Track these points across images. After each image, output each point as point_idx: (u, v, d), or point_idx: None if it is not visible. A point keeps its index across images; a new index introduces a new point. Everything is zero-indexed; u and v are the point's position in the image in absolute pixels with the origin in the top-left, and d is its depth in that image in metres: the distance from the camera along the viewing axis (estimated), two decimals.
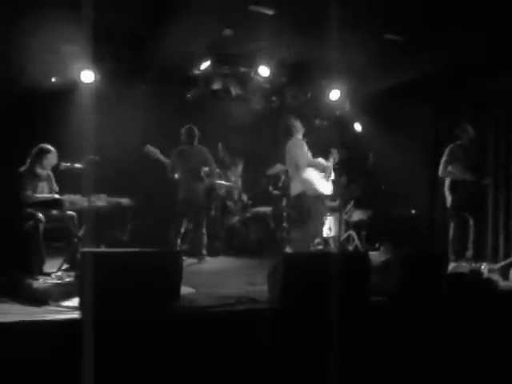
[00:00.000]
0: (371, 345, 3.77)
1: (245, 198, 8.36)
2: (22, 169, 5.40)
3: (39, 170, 5.46)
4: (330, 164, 6.57)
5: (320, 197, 6.41)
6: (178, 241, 6.69)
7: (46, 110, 7.06)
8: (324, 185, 6.45)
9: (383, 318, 3.93)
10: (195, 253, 6.65)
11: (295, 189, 6.37)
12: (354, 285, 3.90)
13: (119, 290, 3.24)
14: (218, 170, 7.67)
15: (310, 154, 6.45)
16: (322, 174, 6.48)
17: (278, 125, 6.60)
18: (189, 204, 6.68)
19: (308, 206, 6.27)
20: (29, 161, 5.45)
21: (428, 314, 4.09)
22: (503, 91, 7.09)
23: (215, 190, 7.21)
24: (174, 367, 3.24)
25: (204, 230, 6.79)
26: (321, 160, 6.54)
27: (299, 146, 6.37)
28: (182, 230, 6.75)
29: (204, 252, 6.70)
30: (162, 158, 6.65)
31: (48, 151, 5.52)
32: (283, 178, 8.13)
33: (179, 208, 6.69)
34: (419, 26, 6.33)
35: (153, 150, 6.62)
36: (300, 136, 6.47)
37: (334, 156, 6.61)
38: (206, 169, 6.88)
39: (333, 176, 6.68)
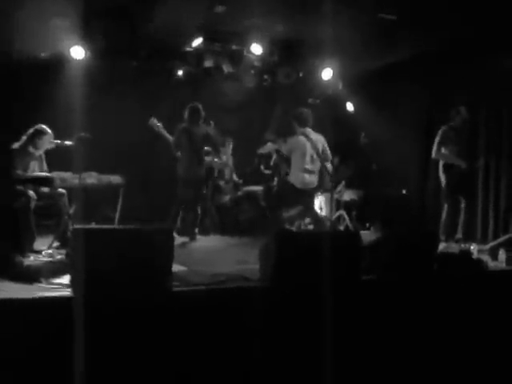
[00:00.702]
0: (363, 323, 3.80)
1: (235, 177, 8.35)
2: (15, 146, 5.32)
3: (32, 149, 5.40)
4: None
5: None
6: (178, 217, 6.68)
7: (35, 86, 6.97)
8: None
9: (374, 296, 3.95)
10: (187, 231, 6.64)
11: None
12: (346, 264, 3.91)
13: (110, 268, 3.22)
14: (207, 148, 7.63)
15: None
16: None
17: (293, 114, 6.53)
18: (188, 183, 6.62)
19: None
20: (23, 138, 5.38)
21: (418, 294, 4.12)
22: (495, 73, 7.07)
23: (213, 169, 7.14)
24: (166, 345, 3.25)
25: (198, 210, 6.77)
26: None
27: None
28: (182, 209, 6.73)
29: (196, 231, 6.70)
30: (164, 132, 6.58)
31: (44, 133, 5.44)
32: (274, 157, 8.10)
33: (180, 187, 6.64)
34: (413, 6, 6.28)
35: (156, 124, 6.55)
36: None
37: None
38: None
39: None
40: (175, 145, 6.61)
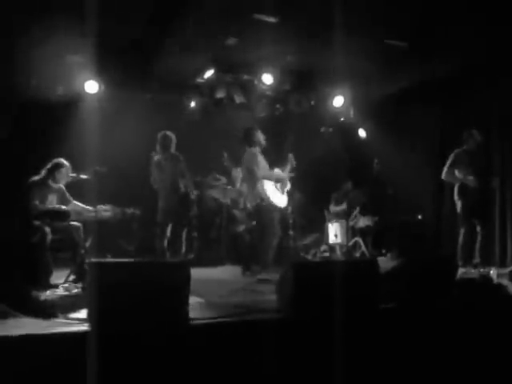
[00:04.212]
0: (382, 352, 3.73)
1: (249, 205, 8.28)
2: (33, 179, 5.40)
3: (51, 183, 5.46)
4: (285, 174, 6.43)
5: (274, 209, 6.19)
6: (165, 248, 6.47)
7: (51, 121, 7.06)
8: (278, 197, 6.27)
9: (394, 325, 3.89)
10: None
11: (252, 200, 6.21)
12: (364, 292, 3.86)
13: (127, 301, 3.21)
14: (221, 178, 7.64)
15: (266, 165, 6.30)
16: (278, 185, 6.35)
17: (242, 133, 6.44)
18: (167, 214, 6.56)
19: (263, 218, 6.14)
20: (42, 172, 5.45)
21: (438, 321, 4.05)
22: (508, 93, 7.06)
23: (190, 197, 6.96)
24: (184, 379, 3.21)
25: (183, 239, 6.70)
26: (277, 171, 6.39)
27: (255, 157, 6.19)
28: (167, 239, 6.55)
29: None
30: None
31: (62, 166, 5.51)
32: (289, 185, 8.09)
33: (159, 218, 6.58)
34: (422, 31, 6.33)
35: None
36: (257, 149, 6.28)
37: (292, 163, 6.42)
38: None
39: (288, 187, 6.51)
40: (152, 181, 6.62)
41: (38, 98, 6.70)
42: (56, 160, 5.52)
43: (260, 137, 6.32)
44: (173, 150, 6.62)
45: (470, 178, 6.45)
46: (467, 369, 3.92)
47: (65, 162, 5.53)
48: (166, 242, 6.51)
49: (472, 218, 6.55)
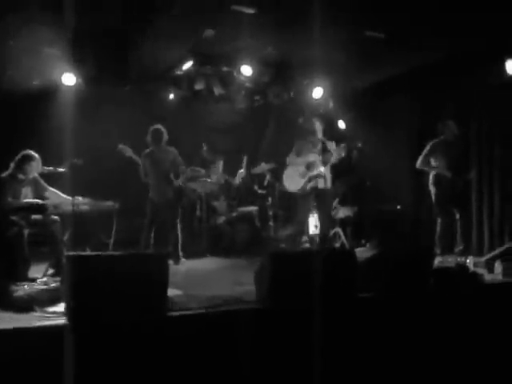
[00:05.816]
0: (360, 342, 3.77)
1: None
2: (3, 174, 5.30)
3: (21, 176, 5.35)
4: (316, 158, 6.74)
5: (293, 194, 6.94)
6: (150, 242, 6.48)
7: (27, 114, 6.99)
8: (294, 182, 6.75)
9: (371, 314, 3.94)
10: (171, 254, 6.47)
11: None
12: (341, 282, 3.90)
13: (104, 294, 3.20)
14: (200, 170, 7.62)
15: (308, 151, 6.76)
16: (302, 168, 6.72)
17: (298, 123, 6.80)
18: (159, 207, 6.54)
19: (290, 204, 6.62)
20: (11, 166, 5.34)
21: (415, 309, 4.11)
22: (484, 84, 7.14)
23: (183, 190, 6.95)
24: (163, 371, 3.22)
25: (178, 231, 6.68)
26: (312, 155, 6.76)
27: (298, 147, 6.80)
28: (153, 233, 6.56)
29: (180, 254, 6.61)
30: (134, 156, 6.50)
31: (32, 158, 5.39)
32: (268, 176, 8.14)
33: (149, 210, 6.55)
34: (400, 23, 6.35)
35: (124, 148, 6.48)
36: (308, 138, 6.86)
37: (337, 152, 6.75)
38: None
39: (316, 171, 6.71)
40: (143, 173, 6.57)
41: (13, 91, 6.62)
42: (24, 152, 5.40)
43: (316, 124, 6.88)
44: (164, 143, 6.65)
45: (447, 172, 6.51)
46: (441, 355, 3.99)
47: (34, 154, 5.42)
48: (152, 235, 6.51)
49: (448, 206, 6.63)
